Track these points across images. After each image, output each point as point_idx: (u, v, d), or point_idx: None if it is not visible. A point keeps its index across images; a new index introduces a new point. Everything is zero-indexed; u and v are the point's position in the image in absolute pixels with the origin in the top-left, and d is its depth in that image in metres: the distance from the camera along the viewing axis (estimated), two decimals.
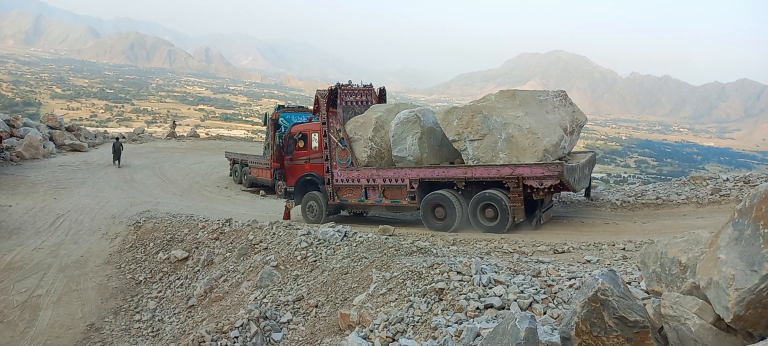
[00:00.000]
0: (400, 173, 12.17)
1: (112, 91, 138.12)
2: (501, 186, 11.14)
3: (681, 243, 4.09)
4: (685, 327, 3.44)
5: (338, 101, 13.00)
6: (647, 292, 4.74)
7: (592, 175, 13.12)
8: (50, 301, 11.10)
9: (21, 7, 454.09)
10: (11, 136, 25.96)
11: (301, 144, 14.09)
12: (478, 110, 11.47)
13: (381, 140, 12.77)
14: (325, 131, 13.16)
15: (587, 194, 13.38)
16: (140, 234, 14.29)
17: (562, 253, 9.57)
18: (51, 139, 28.18)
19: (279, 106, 20.66)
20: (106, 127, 72.16)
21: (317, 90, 13.45)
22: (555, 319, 5.74)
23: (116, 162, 25.17)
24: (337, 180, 13.15)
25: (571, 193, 13.44)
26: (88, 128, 36.87)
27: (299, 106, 21.29)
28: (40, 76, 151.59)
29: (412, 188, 12.15)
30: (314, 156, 13.75)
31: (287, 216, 14.23)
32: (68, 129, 31.08)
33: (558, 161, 10.69)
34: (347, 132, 12.96)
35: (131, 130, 41.09)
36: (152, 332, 10.15)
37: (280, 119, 18.53)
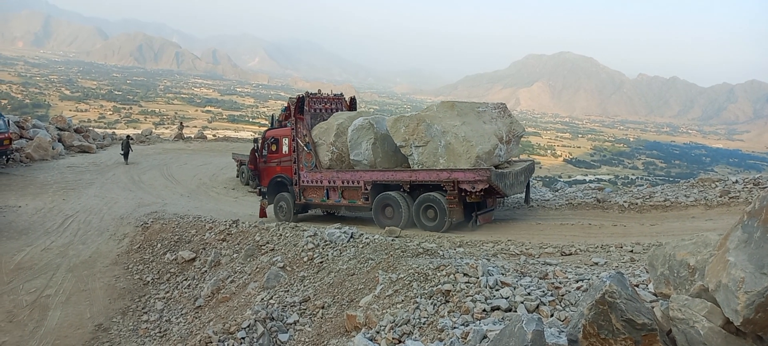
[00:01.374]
0: (356, 175, 13.14)
1: (120, 92, 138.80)
2: (440, 189, 11.99)
3: (689, 245, 4.06)
4: (693, 330, 3.41)
5: (306, 109, 13.89)
6: (655, 294, 4.71)
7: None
8: (59, 301, 11.18)
9: (30, 8, 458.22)
10: (21, 137, 26.16)
11: (273, 148, 15.02)
12: (422, 119, 12.39)
13: (342, 145, 13.56)
14: (293, 136, 14.11)
15: (526, 199, 14.27)
16: (148, 235, 14.36)
17: (569, 255, 9.53)
18: (60, 140, 28.36)
19: (286, 107, 20.70)
20: (115, 128, 72.56)
21: (289, 98, 14.36)
22: (562, 321, 5.71)
23: (124, 159, 25.81)
24: (303, 181, 14.13)
25: (533, 197, 14.77)
26: (96, 130, 37.08)
27: None
28: (49, 78, 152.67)
29: (366, 189, 13.10)
30: (284, 159, 14.66)
31: (263, 214, 15.08)
32: (77, 130, 31.27)
33: (487, 167, 11.53)
34: (313, 137, 13.82)
35: (139, 131, 41.31)
36: (160, 332, 10.20)
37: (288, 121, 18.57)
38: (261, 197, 15.43)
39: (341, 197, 13.63)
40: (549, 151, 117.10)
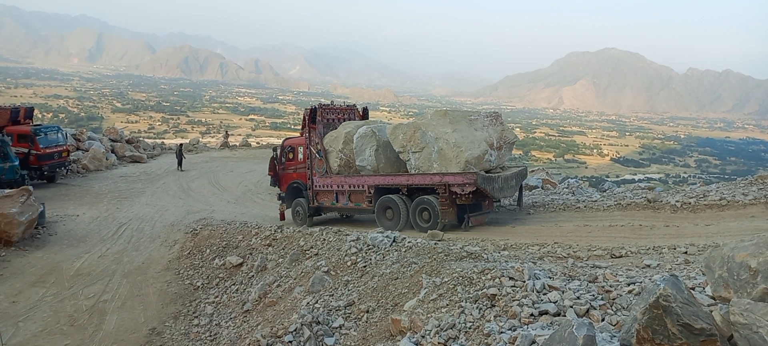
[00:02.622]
0: (360, 180, 14.02)
1: (168, 103, 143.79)
2: (434, 192, 12.73)
3: (750, 246, 3.88)
4: (757, 336, 3.25)
5: (318, 119, 14.82)
6: (713, 298, 4.52)
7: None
8: (115, 306, 11.66)
9: (84, 25, 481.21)
10: (77, 149, 27.51)
11: (290, 156, 16.03)
12: (418, 127, 13.16)
13: (349, 152, 14.41)
14: (307, 144, 15.04)
15: (518, 203, 14.80)
16: (197, 241, 14.81)
17: (619, 257, 9.26)
18: (113, 151, 29.65)
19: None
20: (163, 138, 75.23)
21: (305, 109, 15.26)
22: (614, 326, 5.55)
23: (179, 167, 27.31)
24: (316, 186, 15.00)
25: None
26: (146, 140, 38.59)
27: None
28: (101, 91, 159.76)
29: (370, 193, 13.93)
30: (300, 166, 15.63)
31: (282, 217, 16.00)
32: (128, 141, 32.62)
33: (474, 171, 12.21)
34: (324, 145, 14.72)
35: (187, 141, 42.72)
36: (210, 336, 10.50)
37: None
38: (280, 202, 16.30)
39: (349, 200, 14.46)
40: (595, 151, 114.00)
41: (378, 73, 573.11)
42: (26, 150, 21.81)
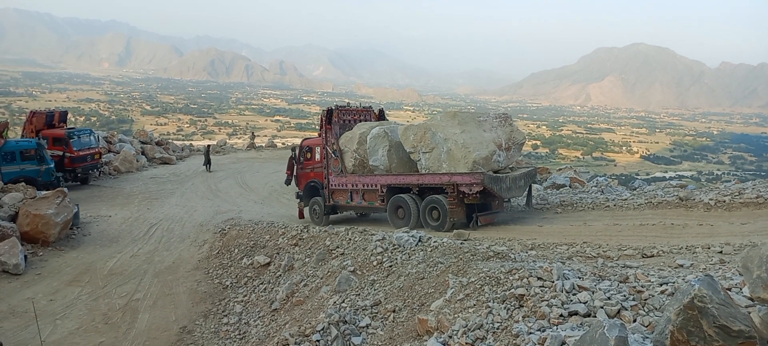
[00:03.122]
0: (374, 179, 14.36)
1: (195, 106, 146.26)
2: (443, 192, 13.00)
3: None
4: None
5: (334, 120, 15.24)
6: (751, 299, 4.39)
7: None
8: (147, 304, 11.93)
9: (114, 31, 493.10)
10: (109, 151, 28.24)
11: (308, 155, 16.49)
12: (428, 128, 13.46)
13: (363, 152, 14.78)
14: (323, 144, 15.49)
15: (527, 202, 14.98)
16: (226, 241, 15.04)
17: (650, 257, 9.07)
18: (143, 153, 30.34)
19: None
20: (192, 140, 76.61)
21: (322, 110, 15.75)
22: (646, 327, 5.44)
23: (206, 166, 27.99)
24: (331, 185, 15.38)
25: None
26: (175, 142, 39.39)
27: None
28: (131, 95, 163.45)
29: (382, 192, 14.26)
30: (317, 166, 16.06)
31: (301, 215, 16.60)
32: (158, 143, 33.35)
33: (481, 171, 12.49)
34: (340, 145, 15.10)
35: (214, 142, 43.45)
36: (239, 334, 10.65)
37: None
38: (298, 200, 16.79)
39: (362, 199, 14.82)
40: (624, 148, 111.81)
41: (401, 73, 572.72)
42: (61, 153, 22.48)
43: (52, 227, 14.72)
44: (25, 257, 13.62)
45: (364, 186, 14.67)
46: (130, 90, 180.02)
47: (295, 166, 16.93)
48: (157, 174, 26.82)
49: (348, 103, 17.21)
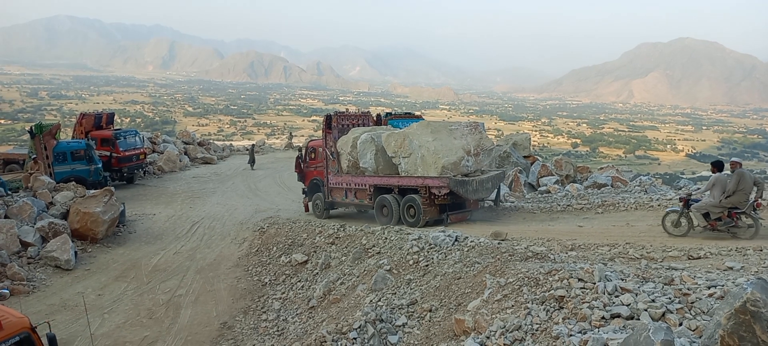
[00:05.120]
0: (363, 179, 15.76)
1: (235, 107, 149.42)
2: (418, 192, 14.43)
3: None
4: None
5: (333, 124, 16.66)
6: None
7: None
8: (189, 300, 12.26)
9: (158, 35, 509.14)
10: (153, 152, 29.18)
11: (313, 155, 17.96)
12: (406, 136, 14.75)
13: (356, 155, 16.01)
14: (324, 146, 16.90)
15: (495, 202, 16.07)
16: (265, 239, 15.32)
17: (697, 258, 8.74)
18: (185, 153, 31.22)
19: (387, 113, 21.13)
20: (232, 140, 78.31)
21: (325, 115, 17.31)
22: (693, 331, 5.25)
23: (251, 164, 29.20)
24: (330, 183, 16.77)
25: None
26: (216, 142, 40.34)
27: (406, 113, 21.55)
28: (174, 96, 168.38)
29: (370, 191, 15.64)
30: (319, 165, 17.42)
31: (306, 209, 18.12)
32: (200, 144, 34.24)
33: (448, 176, 13.87)
34: (337, 148, 16.39)
35: (254, 142, 44.30)
36: (278, 331, 10.81)
37: (389, 125, 19.02)
38: (304, 196, 18.29)
39: (355, 196, 16.21)
40: (669, 146, 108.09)
41: (437, 72, 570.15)
42: (108, 153, 23.35)
43: (100, 225, 15.31)
44: (76, 253, 14.22)
45: (356, 185, 16.07)
46: (173, 92, 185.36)
47: (302, 165, 18.42)
48: (199, 173, 27.54)
49: (347, 109, 18.97)
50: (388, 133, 15.30)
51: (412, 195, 14.47)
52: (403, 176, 14.82)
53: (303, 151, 18.75)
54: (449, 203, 14.42)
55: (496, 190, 15.64)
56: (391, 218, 14.84)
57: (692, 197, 11.18)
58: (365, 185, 15.74)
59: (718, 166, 10.86)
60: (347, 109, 18.69)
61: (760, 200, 10.26)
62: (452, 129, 14.87)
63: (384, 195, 15.19)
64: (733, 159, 10.59)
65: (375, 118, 18.72)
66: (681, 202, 11.13)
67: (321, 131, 17.53)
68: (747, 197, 10.11)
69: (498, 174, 15.57)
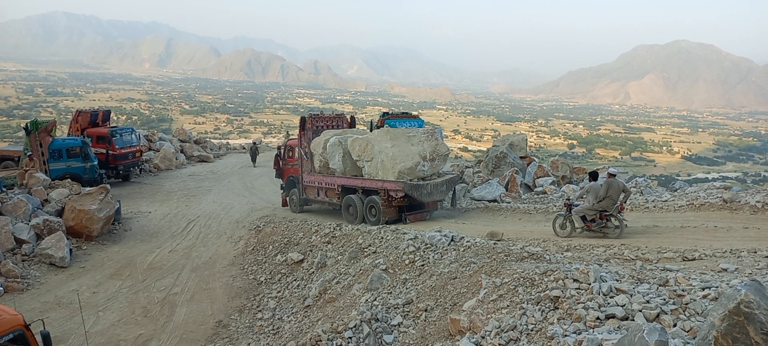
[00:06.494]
0: (332, 179, 16.78)
1: (232, 105, 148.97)
2: (378, 194, 15.40)
3: None
4: None
5: (307, 126, 17.62)
6: None
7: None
8: (185, 298, 12.23)
9: (155, 32, 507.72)
10: (149, 149, 29.08)
11: (290, 154, 18.79)
12: (369, 141, 15.75)
13: (326, 156, 16.92)
14: (299, 147, 17.88)
15: (452, 203, 17.15)
16: (260, 238, 15.30)
17: (692, 260, 8.77)
18: (182, 151, 31.12)
19: (384, 112, 21.12)
20: (228, 139, 78.15)
21: (301, 116, 18.21)
22: (687, 332, 5.27)
23: (254, 162, 29.57)
24: (304, 182, 17.84)
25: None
26: (213, 140, 40.23)
27: (403, 113, 21.54)
28: (171, 94, 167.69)
29: (338, 190, 16.64)
30: (295, 163, 18.37)
31: (284, 204, 18.92)
32: (196, 142, 34.14)
33: (403, 180, 14.92)
34: (311, 148, 17.32)
35: (250, 141, 44.20)
36: (273, 329, 10.80)
37: (386, 125, 19.02)
38: (282, 191, 19.21)
39: (325, 195, 17.20)
40: (665, 148, 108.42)
41: (435, 72, 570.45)
42: (104, 151, 23.25)
43: (95, 222, 15.26)
44: (71, 250, 14.17)
45: (326, 185, 17.07)
46: (169, 90, 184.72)
47: (280, 162, 19.34)
48: (195, 172, 27.47)
49: (321, 111, 19.75)
50: (353, 139, 16.38)
51: (374, 196, 15.52)
52: (366, 179, 15.92)
53: (281, 150, 19.62)
54: (407, 205, 15.47)
55: (452, 192, 16.82)
56: (356, 217, 15.86)
57: (573, 203, 12.50)
58: (334, 185, 16.78)
59: (593, 176, 12.60)
60: (321, 112, 19.51)
61: (624, 204, 11.85)
62: (410, 136, 15.95)
63: (350, 195, 16.22)
64: (610, 170, 12.05)
65: (349, 121, 19.67)
66: (565, 207, 12.52)
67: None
68: (614, 202, 11.63)
69: (452, 178, 16.63)
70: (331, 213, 17.49)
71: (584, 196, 12.14)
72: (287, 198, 18.83)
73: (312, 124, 17.91)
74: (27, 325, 5.19)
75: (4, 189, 16.56)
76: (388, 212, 15.19)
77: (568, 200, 13.18)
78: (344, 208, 16.39)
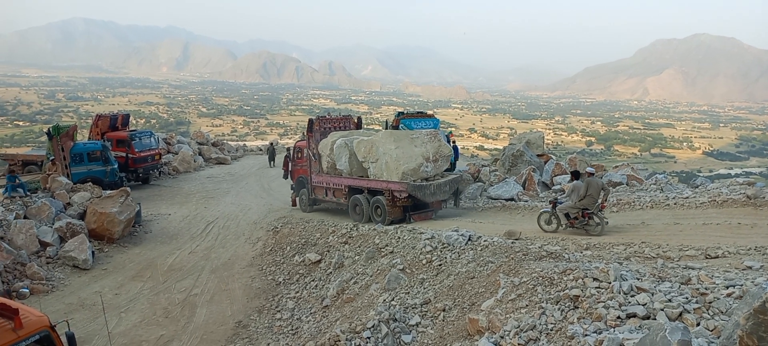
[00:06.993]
0: (340, 180, 17.19)
1: (248, 107, 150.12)
2: (383, 194, 15.75)
3: None
4: None
5: (315, 128, 18.05)
6: None
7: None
8: (205, 299, 12.37)
9: (172, 36, 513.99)
10: (168, 152, 29.43)
11: (299, 155, 19.19)
12: (374, 143, 16.18)
13: (333, 158, 17.32)
14: (307, 148, 18.34)
15: (455, 203, 17.59)
16: (278, 238, 15.41)
17: (715, 258, 8.63)
18: (200, 153, 31.44)
19: (399, 112, 21.10)
20: (245, 140, 78.76)
21: (309, 118, 18.61)
22: (711, 331, 5.19)
23: (271, 163, 29.86)
24: (313, 182, 18.26)
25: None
26: (230, 143, 40.59)
27: (418, 112, 21.47)
28: (188, 97, 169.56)
29: (345, 191, 17.04)
30: (304, 165, 18.79)
31: (294, 203, 19.39)
32: (214, 144, 34.47)
33: (406, 181, 15.33)
34: (319, 150, 17.73)
35: (267, 142, 44.51)
36: (292, 329, 10.87)
37: (401, 125, 19.02)
38: (292, 191, 19.67)
39: (333, 195, 17.62)
40: (685, 144, 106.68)
41: (450, 71, 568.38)
42: (124, 154, 23.60)
43: (116, 225, 15.50)
44: (93, 252, 14.42)
45: (334, 185, 17.48)
46: (187, 93, 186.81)
47: (290, 164, 19.84)
48: (213, 174, 27.75)
49: (329, 113, 20.23)
50: (359, 140, 16.83)
51: (379, 196, 15.88)
52: (371, 179, 16.32)
53: (291, 151, 20.10)
54: (411, 205, 15.81)
55: (455, 191, 17.17)
56: (362, 216, 16.22)
57: (559, 200, 13.04)
58: (342, 185, 17.21)
59: (575, 175, 13.02)
60: (329, 114, 20.07)
61: (604, 202, 12.31)
62: (413, 138, 16.32)
63: (357, 195, 16.62)
64: (588, 169, 12.61)
65: (356, 122, 20.09)
66: (550, 204, 13.01)
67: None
68: (595, 200, 12.10)
69: (455, 178, 17.00)
70: (345, 213, 17.61)
71: (570, 194, 12.57)
72: (297, 198, 19.30)
73: (320, 126, 18.35)
74: (52, 326, 5.29)
75: (28, 193, 16.92)
76: (393, 211, 15.55)
77: (555, 198, 13.63)
78: (351, 208, 16.76)
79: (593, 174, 12.47)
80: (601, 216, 12.07)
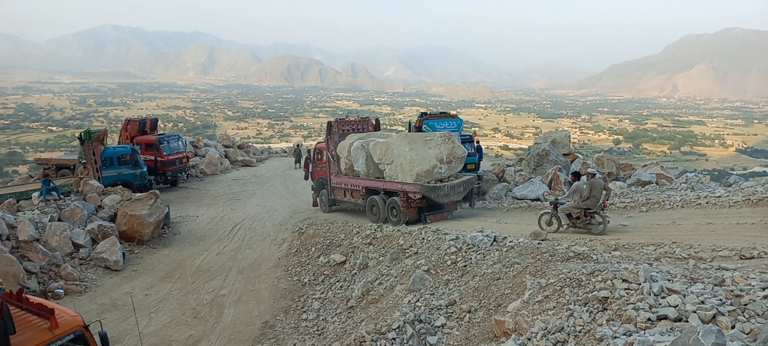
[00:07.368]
0: (357, 181, 17.55)
1: (273, 110, 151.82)
2: (398, 195, 16.06)
3: None
4: None
5: (334, 130, 18.54)
6: None
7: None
8: (232, 300, 12.55)
9: (198, 41, 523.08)
10: (195, 155, 29.95)
11: (319, 157, 19.64)
12: (389, 146, 16.52)
13: (351, 159, 17.71)
14: (326, 150, 18.81)
15: (470, 204, 18.04)
16: (303, 239, 15.54)
17: (750, 258, 8.39)
18: (226, 156, 31.90)
19: (422, 113, 21.09)
20: (270, 143, 79.63)
21: (328, 121, 19.11)
22: (747, 334, 5.04)
23: (297, 164, 30.30)
24: (332, 183, 18.71)
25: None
26: (255, 145, 41.10)
27: (441, 112, 21.41)
28: (214, 101, 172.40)
29: (363, 192, 17.43)
30: (324, 166, 19.22)
31: (315, 204, 19.90)
32: (239, 147, 34.94)
33: (420, 183, 15.56)
34: (337, 151, 18.12)
35: (291, 144, 44.92)
36: (318, 330, 10.94)
37: (424, 126, 18.98)
38: (313, 192, 20.19)
39: (351, 196, 18.02)
40: (717, 141, 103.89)
41: (473, 70, 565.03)
42: (152, 157, 24.10)
43: (146, 227, 15.84)
44: (124, 254, 14.76)
45: (351, 186, 17.84)
46: (213, 97, 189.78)
47: (310, 165, 20.39)
48: (239, 176, 28.13)
49: (347, 115, 20.68)
50: (374, 143, 17.16)
51: (394, 197, 16.21)
52: (387, 181, 16.67)
53: (311, 153, 20.61)
54: (426, 205, 16.03)
55: (470, 192, 17.39)
56: (379, 217, 16.59)
57: (559, 201, 13.19)
58: (359, 186, 17.57)
59: (576, 176, 13.38)
60: (347, 116, 20.52)
61: (606, 202, 12.51)
62: (427, 140, 16.55)
63: (373, 196, 16.98)
64: (590, 170, 12.66)
65: (374, 124, 20.43)
66: (551, 205, 13.18)
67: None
68: (597, 200, 12.26)
69: (469, 179, 17.17)
70: (365, 213, 17.78)
71: (571, 195, 12.71)
72: (317, 198, 19.72)
73: (338, 128, 18.79)
74: (86, 326, 5.44)
75: (61, 196, 17.42)
76: (408, 212, 15.83)
77: (556, 198, 13.80)
78: (368, 208, 17.15)
79: (595, 175, 12.58)
80: (603, 215, 12.24)
